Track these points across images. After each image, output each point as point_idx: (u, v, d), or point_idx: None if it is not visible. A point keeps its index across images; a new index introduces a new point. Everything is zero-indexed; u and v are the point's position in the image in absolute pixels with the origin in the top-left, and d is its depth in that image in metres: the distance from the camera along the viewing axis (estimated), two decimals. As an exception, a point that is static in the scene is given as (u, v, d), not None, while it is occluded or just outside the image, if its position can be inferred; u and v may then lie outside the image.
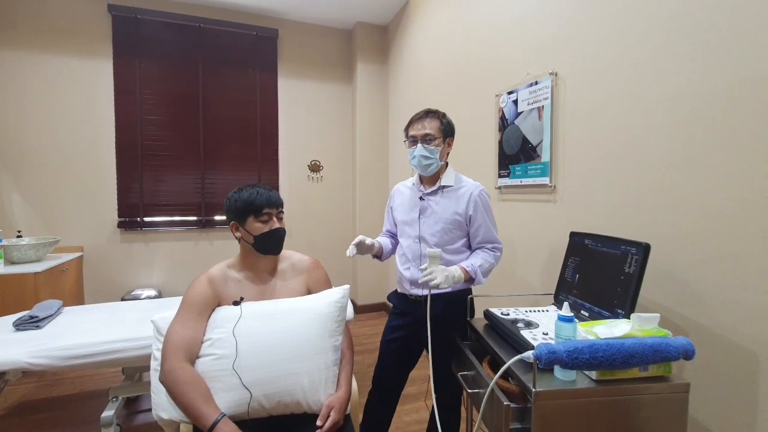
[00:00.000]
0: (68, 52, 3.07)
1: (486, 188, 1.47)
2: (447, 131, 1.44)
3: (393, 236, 1.66)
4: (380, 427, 1.57)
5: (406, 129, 1.49)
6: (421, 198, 1.47)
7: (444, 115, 1.46)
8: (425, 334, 1.32)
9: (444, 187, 1.45)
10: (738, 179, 1.07)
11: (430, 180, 1.48)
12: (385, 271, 3.79)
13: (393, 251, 1.63)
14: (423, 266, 1.28)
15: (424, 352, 1.52)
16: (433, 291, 1.30)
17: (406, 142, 1.48)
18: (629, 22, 1.38)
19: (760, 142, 1.02)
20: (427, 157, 1.40)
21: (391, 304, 1.61)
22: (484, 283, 1.40)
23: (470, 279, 1.36)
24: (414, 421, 2.00)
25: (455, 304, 1.40)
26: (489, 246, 1.44)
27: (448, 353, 1.40)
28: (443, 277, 1.24)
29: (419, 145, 1.40)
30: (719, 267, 1.11)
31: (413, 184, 1.54)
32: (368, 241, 1.45)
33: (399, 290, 1.55)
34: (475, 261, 1.38)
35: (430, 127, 1.41)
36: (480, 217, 1.41)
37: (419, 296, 1.43)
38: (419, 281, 1.29)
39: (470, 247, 1.47)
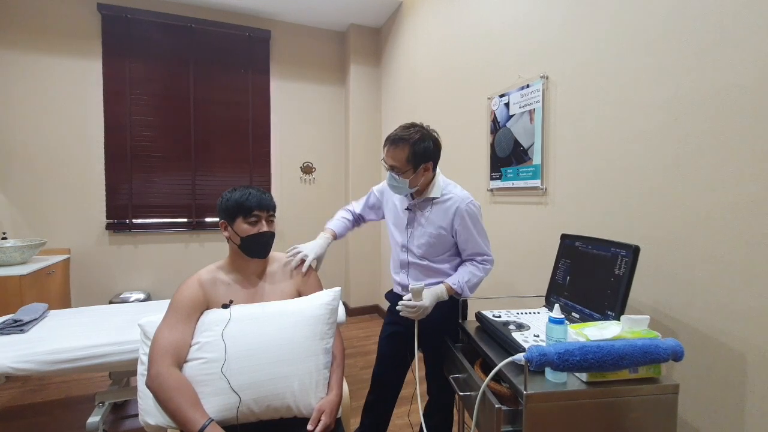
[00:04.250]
0: (56, 51, 3.02)
1: (474, 199, 1.42)
2: (419, 159, 1.32)
3: (358, 220, 1.64)
4: (378, 427, 1.57)
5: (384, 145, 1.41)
6: (408, 208, 1.46)
7: (419, 140, 1.31)
8: (419, 336, 1.35)
9: (430, 199, 1.42)
10: (726, 183, 1.08)
11: (419, 190, 1.44)
12: (377, 274, 3.78)
13: (348, 231, 1.63)
14: (406, 297, 1.28)
15: (420, 354, 1.53)
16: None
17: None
18: (620, 27, 1.40)
19: (747, 147, 1.03)
20: (395, 187, 1.38)
21: (388, 303, 1.61)
22: (472, 296, 1.40)
23: (456, 294, 1.37)
24: (407, 425, 1.99)
25: (447, 307, 1.39)
26: (479, 259, 1.41)
27: (440, 356, 1.40)
28: (425, 310, 1.27)
29: (390, 172, 1.36)
30: (708, 270, 1.12)
31: None
32: (314, 256, 1.41)
33: (394, 289, 1.57)
34: (462, 277, 1.37)
35: (396, 158, 1.32)
36: (466, 231, 1.38)
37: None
38: (401, 313, 1.30)
39: (458, 253, 1.46)
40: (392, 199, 1.54)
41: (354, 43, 3.74)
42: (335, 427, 1.14)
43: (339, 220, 1.60)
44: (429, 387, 1.50)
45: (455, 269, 1.44)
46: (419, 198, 1.43)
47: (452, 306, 1.39)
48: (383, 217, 1.63)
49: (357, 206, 1.66)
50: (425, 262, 1.43)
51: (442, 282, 1.37)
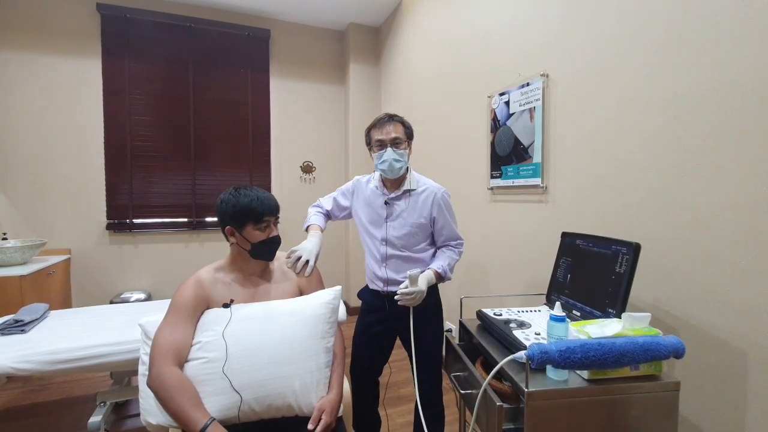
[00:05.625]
0: (56, 51, 3.02)
1: (447, 189, 1.52)
2: (409, 135, 1.50)
3: (327, 216, 1.64)
4: (369, 417, 1.63)
5: (369, 133, 1.51)
6: (386, 202, 1.49)
7: (404, 119, 1.51)
8: (398, 328, 1.42)
9: (408, 191, 1.48)
10: (727, 181, 1.08)
11: (394, 183, 1.50)
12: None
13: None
14: (402, 285, 1.33)
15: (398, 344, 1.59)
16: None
17: (372, 147, 1.50)
18: (620, 25, 1.40)
19: (747, 147, 1.03)
20: (398, 160, 1.44)
21: (360, 301, 1.64)
22: (452, 278, 1.49)
23: (440, 278, 1.45)
24: (407, 423, 2.00)
25: (430, 300, 1.45)
26: (453, 243, 1.52)
27: (425, 347, 1.45)
28: (422, 295, 1.33)
29: (389, 149, 1.43)
30: (709, 268, 1.12)
31: (376, 186, 1.54)
32: (315, 258, 1.40)
33: (371, 287, 1.58)
34: (443, 262, 1.46)
35: (396, 131, 1.45)
36: (443, 218, 1.48)
37: (392, 292, 1.46)
38: (399, 303, 1.33)
39: (433, 243, 1.53)
40: (366, 197, 1.55)
41: (353, 42, 3.73)
42: (336, 426, 1.14)
43: (317, 215, 1.59)
44: (420, 378, 1.52)
45: (431, 257, 1.52)
46: (396, 191, 1.49)
47: (434, 299, 1.49)
48: (350, 218, 1.64)
49: (326, 203, 1.64)
50: (406, 253, 1.47)
51: (427, 268, 1.44)
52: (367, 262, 1.58)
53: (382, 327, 1.54)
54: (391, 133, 1.43)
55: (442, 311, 1.56)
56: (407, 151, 1.47)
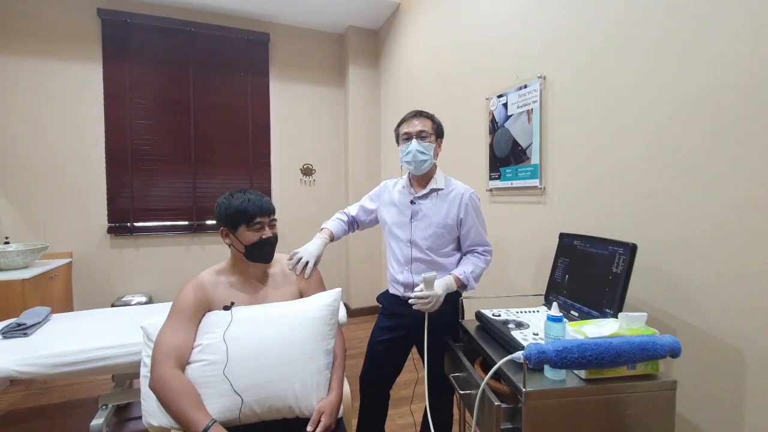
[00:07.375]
0: (57, 56, 3.04)
1: (476, 191, 1.47)
2: (438, 132, 1.48)
3: (352, 223, 1.63)
4: (375, 428, 1.58)
5: (398, 128, 1.50)
6: (412, 202, 1.46)
7: (434, 116, 1.49)
8: (417, 338, 1.34)
9: (435, 190, 1.45)
10: (723, 182, 1.09)
11: (421, 182, 1.48)
12: (378, 275, 3.79)
13: (344, 233, 1.61)
14: (418, 288, 1.27)
15: (412, 354, 1.54)
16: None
17: (399, 141, 1.49)
18: (617, 27, 1.41)
19: (745, 147, 1.04)
20: (422, 152, 1.41)
21: (380, 305, 1.60)
22: (477, 287, 1.42)
23: (462, 285, 1.38)
24: (408, 425, 2.00)
25: (446, 305, 1.39)
26: (480, 249, 1.45)
27: (440, 355, 1.40)
28: (438, 300, 1.27)
29: (414, 140, 1.41)
30: (705, 267, 1.13)
31: (403, 186, 1.53)
32: (314, 260, 1.38)
33: (391, 291, 1.54)
34: (467, 268, 1.39)
35: (423, 124, 1.44)
36: (470, 221, 1.42)
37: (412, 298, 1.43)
38: (414, 307, 1.28)
39: (460, 248, 1.47)
40: (391, 198, 1.54)
41: (352, 45, 3.75)
42: (336, 428, 1.15)
43: (334, 221, 1.60)
44: (430, 386, 1.50)
45: (457, 264, 1.46)
46: (423, 190, 1.46)
47: (451, 304, 1.40)
48: (377, 223, 1.62)
49: (352, 210, 1.65)
50: (430, 257, 1.42)
51: (449, 274, 1.38)
52: (389, 265, 1.54)
53: (398, 333, 1.49)
54: (416, 126, 1.43)
55: (462, 314, 1.48)
56: (434, 146, 1.44)
